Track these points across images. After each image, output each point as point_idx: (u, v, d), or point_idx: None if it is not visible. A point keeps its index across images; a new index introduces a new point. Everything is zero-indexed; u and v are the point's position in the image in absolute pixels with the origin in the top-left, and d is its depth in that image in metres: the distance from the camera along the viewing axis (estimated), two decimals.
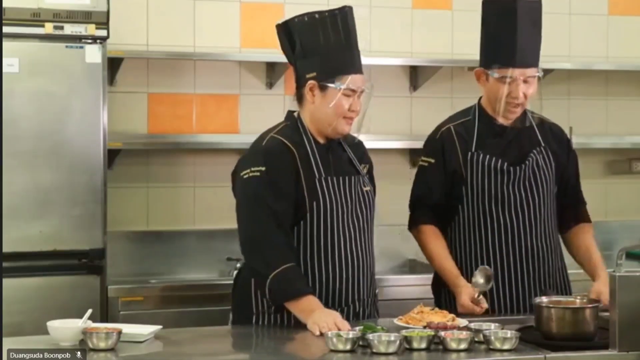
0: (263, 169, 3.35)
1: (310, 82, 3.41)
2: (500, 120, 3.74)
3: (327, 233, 3.39)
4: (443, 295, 3.77)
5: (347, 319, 3.33)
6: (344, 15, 3.44)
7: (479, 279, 3.52)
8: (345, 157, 3.54)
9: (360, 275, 3.45)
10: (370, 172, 3.62)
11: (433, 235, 3.74)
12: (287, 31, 3.47)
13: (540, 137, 3.78)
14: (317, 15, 3.44)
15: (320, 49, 3.41)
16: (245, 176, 3.39)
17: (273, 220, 3.32)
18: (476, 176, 3.71)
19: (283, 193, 3.35)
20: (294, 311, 3.31)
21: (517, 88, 3.65)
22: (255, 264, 3.37)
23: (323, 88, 3.40)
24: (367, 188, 3.53)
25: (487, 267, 3.56)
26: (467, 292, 3.56)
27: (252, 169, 3.37)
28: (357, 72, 3.42)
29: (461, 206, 3.73)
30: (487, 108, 3.77)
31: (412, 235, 3.84)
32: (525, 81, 3.65)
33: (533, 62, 3.67)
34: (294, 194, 3.36)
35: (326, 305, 3.35)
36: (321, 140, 3.47)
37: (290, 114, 3.53)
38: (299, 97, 3.48)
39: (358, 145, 3.60)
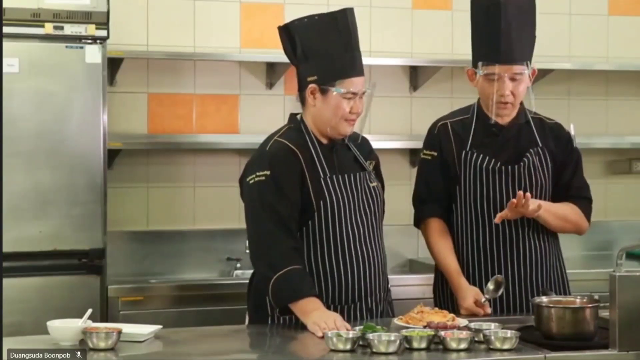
0: (268, 173, 3.35)
1: (311, 85, 3.40)
2: (496, 119, 3.72)
3: (335, 230, 3.39)
4: (443, 296, 3.77)
5: (360, 314, 3.37)
6: (344, 17, 3.43)
7: (489, 285, 3.53)
8: (350, 155, 3.54)
9: (371, 270, 3.45)
10: (377, 169, 3.62)
11: (437, 231, 3.72)
12: (289, 33, 3.46)
13: (538, 137, 3.75)
14: (317, 18, 3.43)
15: (320, 52, 3.40)
16: (251, 181, 3.39)
17: (279, 223, 3.32)
18: (469, 176, 3.69)
19: (288, 197, 3.34)
20: (296, 313, 3.30)
21: (503, 85, 3.61)
22: (261, 267, 3.38)
23: (324, 91, 3.39)
24: (374, 184, 3.53)
25: (499, 275, 3.54)
26: (471, 294, 3.57)
27: (258, 173, 3.37)
28: (358, 75, 3.41)
29: (455, 205, 3.72)
30: (483, 107, 3.76)
31: (412, 235, 3.84)
32: (513, 79, 3.62)
33: (520, 58, 3.62)
34: (299, 197, 3.36)
35: (338, 302, 3.38)
36: (324, 141, 3.47)
37: (292, 116, 3.53)
38: (302, 100, 3.48)
39: (364, 143, 3.60)
